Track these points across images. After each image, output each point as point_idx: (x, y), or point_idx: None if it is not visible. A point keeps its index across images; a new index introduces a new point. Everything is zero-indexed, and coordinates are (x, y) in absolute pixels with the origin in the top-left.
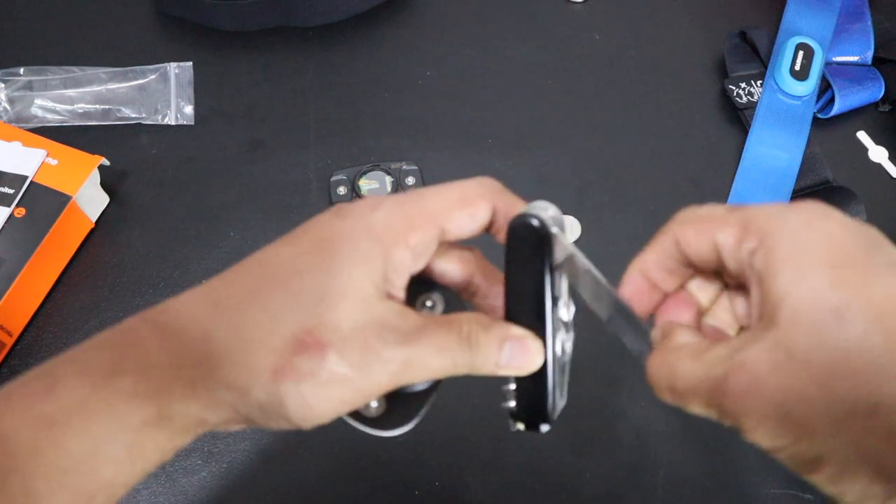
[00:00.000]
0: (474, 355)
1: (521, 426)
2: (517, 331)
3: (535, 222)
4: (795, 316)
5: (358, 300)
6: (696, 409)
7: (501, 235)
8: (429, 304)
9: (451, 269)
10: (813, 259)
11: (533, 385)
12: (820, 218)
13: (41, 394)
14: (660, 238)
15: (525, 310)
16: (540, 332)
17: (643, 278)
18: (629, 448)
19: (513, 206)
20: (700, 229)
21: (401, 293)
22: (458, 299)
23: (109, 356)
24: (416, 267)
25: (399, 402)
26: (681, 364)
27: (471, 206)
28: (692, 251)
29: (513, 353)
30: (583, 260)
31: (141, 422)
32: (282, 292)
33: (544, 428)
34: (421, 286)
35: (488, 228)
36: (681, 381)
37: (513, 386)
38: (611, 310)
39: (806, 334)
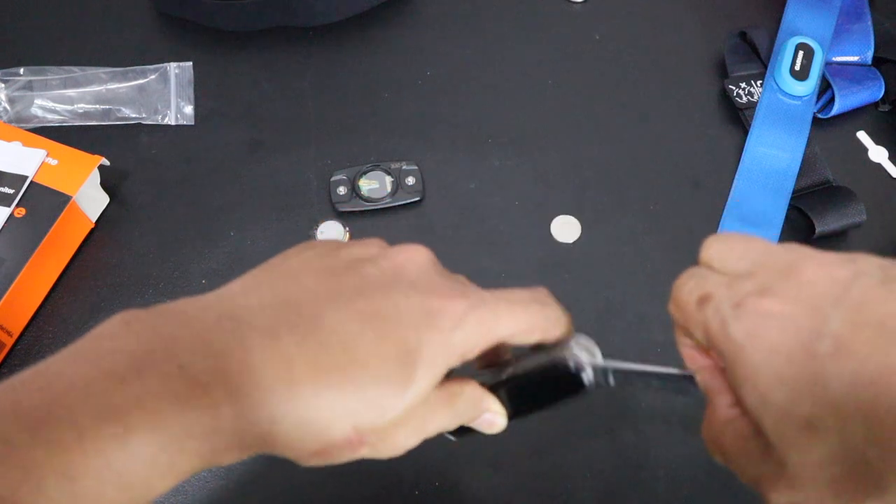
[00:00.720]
0: (462, 419)
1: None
2: (497, 407)
3: (572, 368)
4: (776, 429)
5: (410, 418)
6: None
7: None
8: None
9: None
10: (759, 380)
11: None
12: (756, 329)
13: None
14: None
15: (520, 404)
16: (516, 415)
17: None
18: (629, 448)
19: (556, 325)
20: (683, 321)
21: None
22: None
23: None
24: None
25: None
26: (728, 441)
27: (531, 334)
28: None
29: (485, 421)
30: (616, 367)
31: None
32: (351, 383)
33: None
34: None
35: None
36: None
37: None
38: (655, 381)
39: (795, 452)
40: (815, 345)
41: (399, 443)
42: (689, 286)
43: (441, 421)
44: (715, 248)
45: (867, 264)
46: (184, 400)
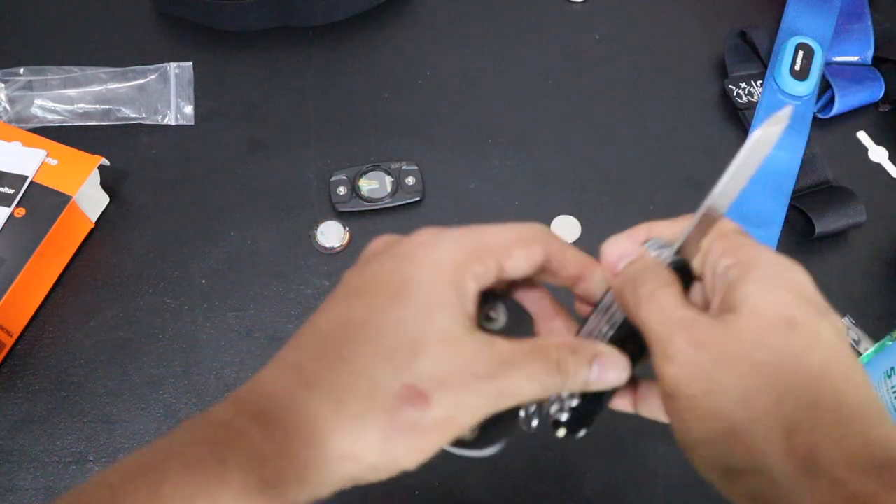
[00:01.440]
0: (564, 379)
1: (562, 432)
2: (603, 348)
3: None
4: (755, 310)
5: (448, 344)
6: (643, 323)
7: (556, 279)
8: (492, 314)
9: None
10: (780, 284)
11: (596, 396)
12: (796, 269)
13: (147, 493)
14: (679, 219)
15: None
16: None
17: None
18: (629, 448)
19: (563, 252)
20: (699, 232)
21: (473, 313)
22: (519, 309)
23: (213, 452)
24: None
25: (489, 422)
26: (661, 292)
27: (528, 246)
28: (687, 241)
29: (602, 371)
30: None
31: None
32: (373, 354)
33: (582, 433)
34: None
35: (541, 273)
36: (652, 311)
37: (576, 401)
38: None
39: (758, 328)
40: (828, 314)
41: (474, 387)
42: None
43: (532, 372)
44: None
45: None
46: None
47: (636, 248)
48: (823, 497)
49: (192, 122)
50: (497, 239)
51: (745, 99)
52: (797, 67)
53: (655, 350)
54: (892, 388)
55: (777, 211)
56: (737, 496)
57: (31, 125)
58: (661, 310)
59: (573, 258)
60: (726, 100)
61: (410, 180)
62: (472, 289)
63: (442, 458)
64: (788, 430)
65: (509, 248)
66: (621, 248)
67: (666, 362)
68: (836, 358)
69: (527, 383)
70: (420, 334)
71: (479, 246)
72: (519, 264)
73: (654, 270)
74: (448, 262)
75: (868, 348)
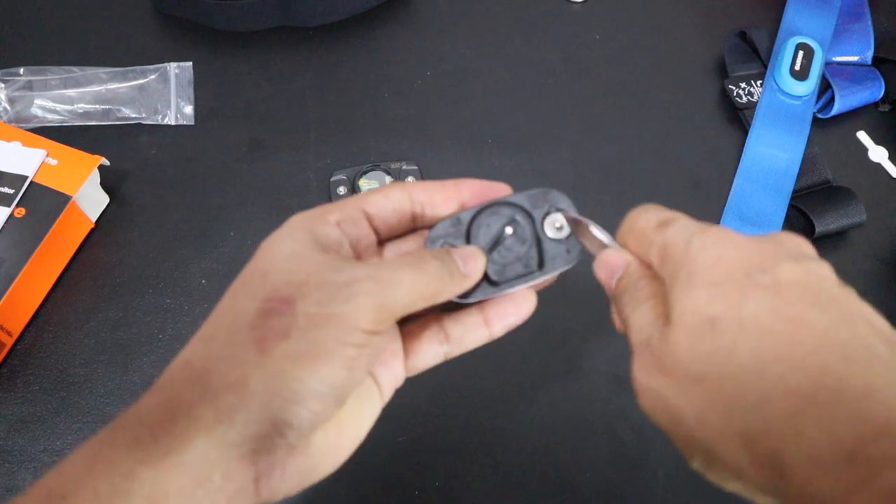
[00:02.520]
0: (435, 264)
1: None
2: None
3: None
4: (681, 318)
5: (297, 259)
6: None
7: (430, 207)
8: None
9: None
10: (699, 278)
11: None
12: (716, 241)
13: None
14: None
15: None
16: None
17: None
18: (629, 448)
19: (429, 189)
20: (637, 243)
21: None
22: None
23: (113, 426)
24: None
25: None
26: (637, 311)
27: (383, 192)
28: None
29: (464, 263)
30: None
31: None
32: (233, 295)
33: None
34: None
35: (417, 217)
36: (629, 320)
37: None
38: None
39: (686, 335)
40: (756, 274)
41: (335, 279)
42: (648, 215)
43: (404, 260)
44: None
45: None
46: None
47: (624, 259)
48: (797, 498)
49: (192, 122)
50: (359, 195)
51: (745, 99)
52: (797, 67)
53: None
54: None
55: (777, 211)
56: (751, 492)
57: (31, 125)
58: (636, 331)
59: (439, 186)
60: (726, 100)
61: (410, 180)
62: (330, 231)
63: (442, 457)
64: (746, 441)
65: (366, 196)
66: (611, 262)
67: (637, 397)
68: (770, 338)
69: (399, 266)
70: (272, 261)
71: (338, 202)
72: (380, 204)
73: (635, 286)
74: (305, 213)
75: None
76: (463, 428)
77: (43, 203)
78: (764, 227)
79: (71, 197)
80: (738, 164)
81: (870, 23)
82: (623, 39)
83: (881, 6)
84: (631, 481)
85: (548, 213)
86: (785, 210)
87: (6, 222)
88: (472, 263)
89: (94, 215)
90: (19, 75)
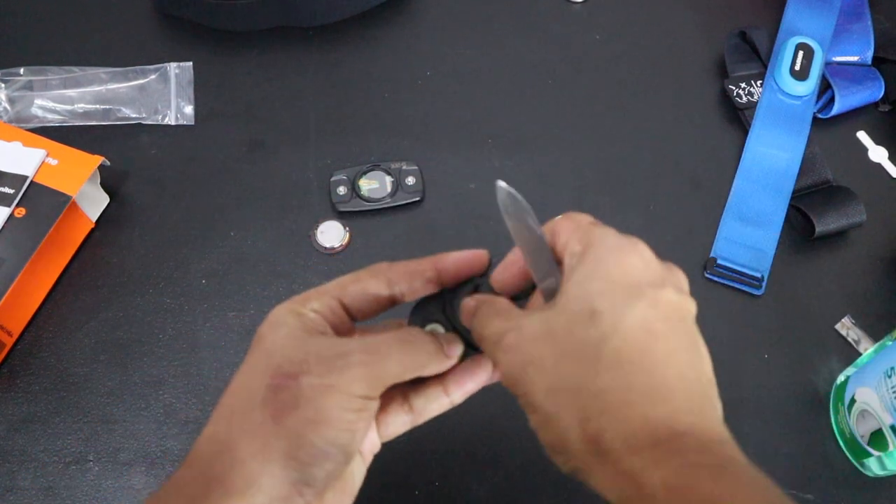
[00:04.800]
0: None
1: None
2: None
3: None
4: (566, 304)
5: (296, 340)
6: (488, 353)
7: (411, 294)
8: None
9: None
10: (599, 273)
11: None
12: (628, 251)
13: None
14: (549, 224)
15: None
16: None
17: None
18: None
19: (402, 273)
20: (567, 227)
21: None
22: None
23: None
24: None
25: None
26: (490, 320)
27: (360, 281)
28: (559, 242)
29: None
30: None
31: None
32: (243, 376)
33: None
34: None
35: (395, 297)
36: (485, 331)
37: None
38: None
39: (566, 321)
40: (647, 288)
41: (334, 357)
42: (587, 216)
43: (396, 336)
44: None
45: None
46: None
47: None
48: (606, 476)
49: (192, 122)
50: (333, 282)
51: (745, 99)
52: (797, 67)
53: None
54: (892, 387)
55: (777, 211)
56: (567, 471)
57: (31, 125)
58: (484, 327)
59: (416, 270)
60: (726, 100)
61: (410, 180)
62: (313, 318)
63: (442, 457)
64: (582, 419)
65: (342, 285)
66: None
67: (503, 352)
68: (633, 342)
69: (392, 342)
70: (270, 346)
71: (313, 290)
72: (357, 295)
73: (487, 305)
74: (286, 304)
75: (868, 348)
76: (463, 428)
77: (43, 203)
78: (764, 227)
79: (71, 197)
80: (738, 164)
81: (870, 23)
82: (623, 39)
83: (881, 6)
84: None
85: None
86: (785, 210)
87: (6, 222)
88: (454, 348)
89: (94, 215)
90: (19, 75)
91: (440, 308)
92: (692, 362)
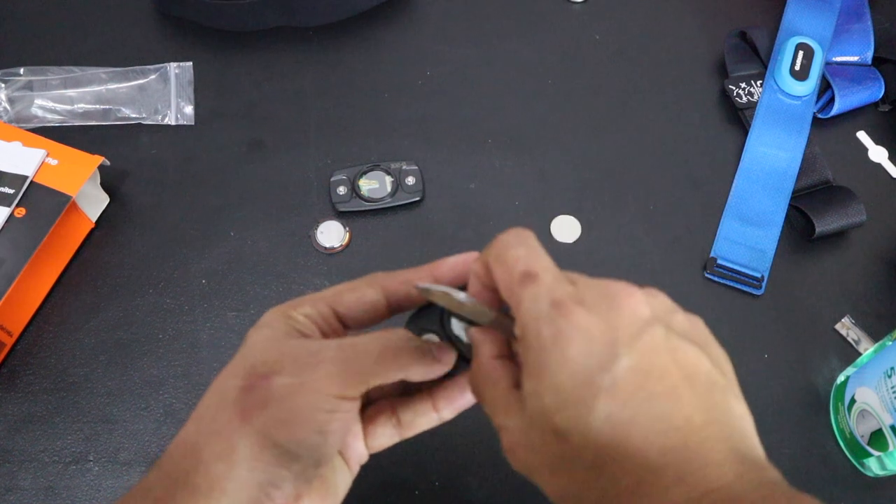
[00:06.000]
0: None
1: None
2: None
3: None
4: (532, 417)
5: (272, 342)
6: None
7: (407, 303)
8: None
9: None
10: (545, 384)
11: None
12: (567, 339)
13: None
14: (481, 259)
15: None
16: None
17: (479, 281)
18: None
19: (400, 282)
20: (501, 284)
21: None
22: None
23: None
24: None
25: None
26: (485, 391)
27: (355, 290)
28: (500, 288)
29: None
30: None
31: None
32: (219, 378)
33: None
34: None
35: (393, 307)
36: (485, 408)
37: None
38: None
39: (539, 438)
40: (598, 376)
41: (305, 356)
42: (517, 252)
43: (374, 364)
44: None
45: (658, 308)
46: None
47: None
48: None
49: (192, 122)
50: (329, 289)
51: (745, 99)
52: (797, 67)
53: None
54: (892, 387)
55: (777, 211)
56: None
57: (31, 125)
58: (483, 401)
59: (412, 278)
60: (726, 100)
61: (410, 180)
62: (303, 321)
63: (442, 457)
64: None
65: (337, 293)
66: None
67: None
68: (608, 442)
69: (367, 340)
70: (249, 347)
71: (308, 296)
72: (352, 304)
73: (482, 374)
74: (279, 307)
75: (868, 348)
76: (463, 428)
77: (43, 203)
78: (764, 227)
79: (71, 197)
80: (738, 164)
81: (870, 23)
82: (623, 39)
83: (881, 6)
84: None
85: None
86: (785, 210)
87: (6, 222)
88: (446, 354)
89: (94, 215)
90: (19, 75)
91: (437, 318)
92: (680, 411)
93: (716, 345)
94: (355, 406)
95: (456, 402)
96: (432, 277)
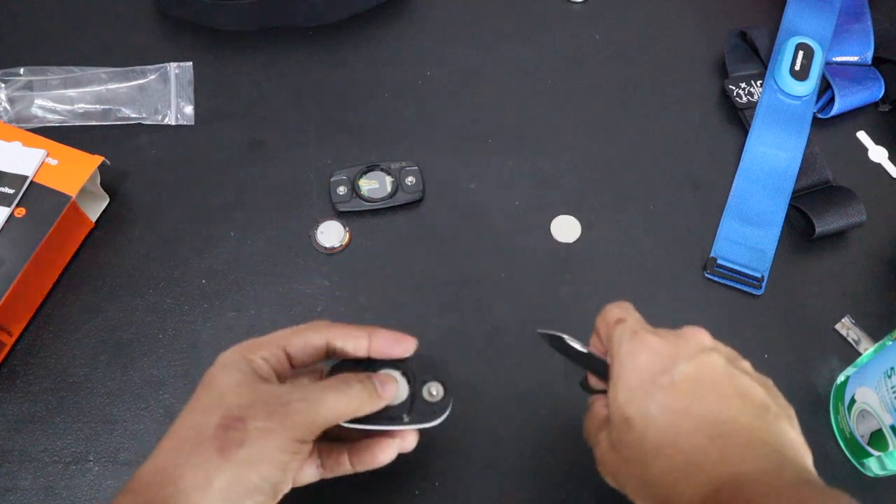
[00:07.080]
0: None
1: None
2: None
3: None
4: (612, 417)
5: (245, 387)
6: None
7: (342, 353)
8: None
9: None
10: (622, 383)
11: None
12: (638, 351)
13: None
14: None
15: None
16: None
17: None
18: None
19: (343, 332)
20: (602, 333)
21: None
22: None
23: None
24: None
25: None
26: (588, 424)
27: (302, 334)
28: (602, 340)
29: (381, 385)
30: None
31: None
32: (191, 414)
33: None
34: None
35: (329, 353)
36: (588, 439)
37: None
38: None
39: (616, 433)
40: (659, 377)
41: (277, 402)
42: (615, 311)
43: (333, 383)
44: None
45: (724, 349)
46: None
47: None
48: None
49: (192, 122)
50: (279, 333)
51: (745, 99)
52: (797, 67)
53: None
54: (892, 388)
55: (777, 211)
56: None
57: (31, 125)
58: (587, 434)
59: (353, 333)
60: (726, 100)
61: (410, 180)
62: (262, 364)
63: (442, 457)
64: (653, 496)
65: (287, 337)
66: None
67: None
68: (665, 429)
69: (332, 390)
70: (221, 389)
71: (262, 339)
72: (300, 346)
73: (590, 412)
74: (238, 350)
75: (868, 348)
76: (463, 428)
77: (43, 203)
78: (764, 227)
79: (71, 197)
80: (738, 164)
81: (870, 23)
82: (623, 39)
83: (881, 6)
84: None
85: (426, 381)
86: (785, 210)
87: (6, 222)
88: (389, 386)
89: (94, 215)
90: (19, 75)
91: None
92: (728, 413)
93: (780, 395)
94: (309, 447)
95: (364, 461)
96: (368, 339)
